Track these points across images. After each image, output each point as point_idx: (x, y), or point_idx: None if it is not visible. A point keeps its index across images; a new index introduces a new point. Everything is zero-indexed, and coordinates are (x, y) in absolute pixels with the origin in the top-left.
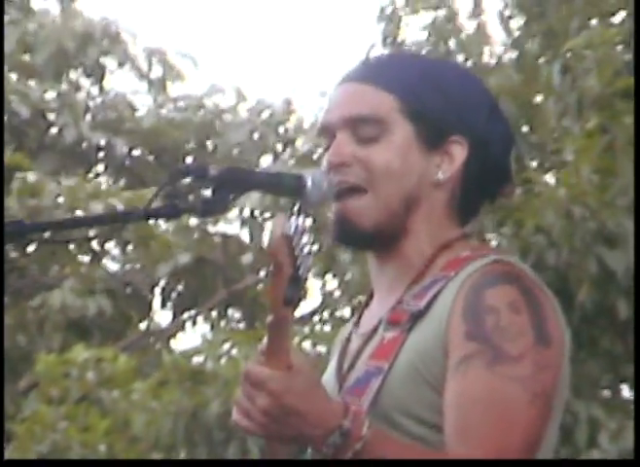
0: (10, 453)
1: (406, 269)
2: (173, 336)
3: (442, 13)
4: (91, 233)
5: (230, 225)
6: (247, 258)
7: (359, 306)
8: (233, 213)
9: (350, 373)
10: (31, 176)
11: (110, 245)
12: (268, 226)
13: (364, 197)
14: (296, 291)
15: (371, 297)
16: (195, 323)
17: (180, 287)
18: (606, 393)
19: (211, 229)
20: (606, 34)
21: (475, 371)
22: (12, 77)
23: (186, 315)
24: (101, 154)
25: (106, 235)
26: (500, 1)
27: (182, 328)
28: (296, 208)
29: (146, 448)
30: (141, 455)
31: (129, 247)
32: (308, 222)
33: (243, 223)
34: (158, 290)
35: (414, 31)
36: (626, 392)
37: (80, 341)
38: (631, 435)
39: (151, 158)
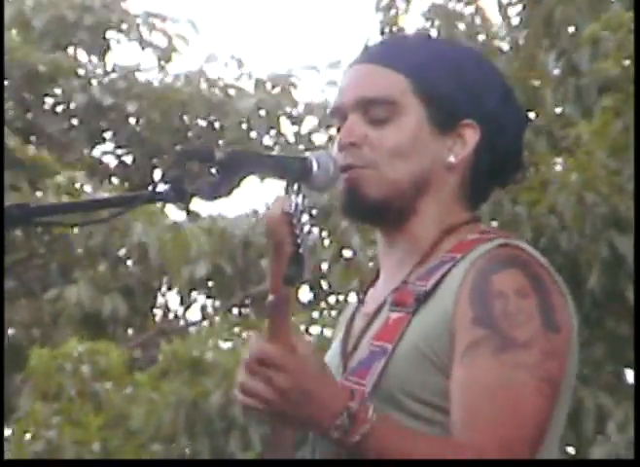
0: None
1: (413, 249)
2: (186, 333)
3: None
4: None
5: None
6: (267, 262)
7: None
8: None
9: (354, 353)
10: (60, 178)
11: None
12: None
13: (373, 171)
14: (297, 270)
15: (376, 276)
16: (211, 323)
17: (198, 290)
18: (612, 379)
19: (231, 232)
20: (624, 17)
21: (482, 357)
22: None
23: (203, 314)
24: (109, 127)
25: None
26: None
27: (195, 325)
28: (295, 187)
29: (145, 440)
30: (140, 448)
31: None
32: (307, 201)
33: None
34: (175, 290)
35: (413, 20)
36: (630, 377)
37: (95, 335)
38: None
39: (160, 120)
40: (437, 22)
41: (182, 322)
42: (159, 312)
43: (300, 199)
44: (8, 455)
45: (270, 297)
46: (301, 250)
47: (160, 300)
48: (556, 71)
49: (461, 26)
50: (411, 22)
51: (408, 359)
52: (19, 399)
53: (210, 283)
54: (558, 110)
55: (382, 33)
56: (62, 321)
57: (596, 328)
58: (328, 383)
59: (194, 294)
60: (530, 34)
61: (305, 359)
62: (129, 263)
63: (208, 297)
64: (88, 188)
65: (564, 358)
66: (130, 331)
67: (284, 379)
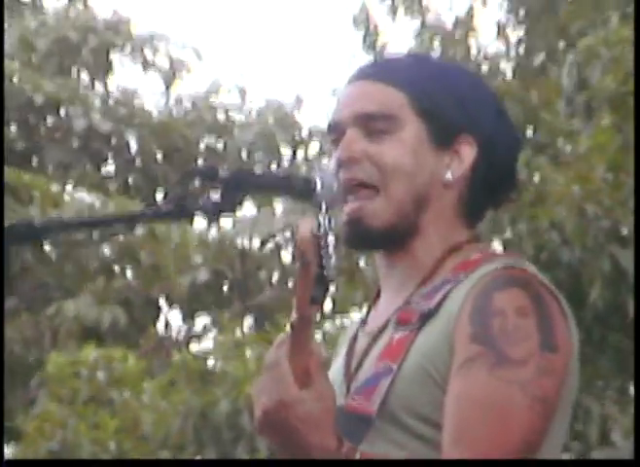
0: (20, 451)
1: (415, 269)
2: (187, 345)
3: (428, 18)
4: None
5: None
6: (265, 272)
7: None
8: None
9: (358, 372)
10: (53, 187)
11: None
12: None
13: (376, 198)
14: (322, 291)
15: (377, 296)
16: (208, 333)
17: (195, 301)
18: (616, 391)
19: (229, 243)
20: (621, 32)
21: (476, 373)
22: (17, 65)
23: (202, 325)
24: (110, 152)
25: (121, 254)
26: (498, 10)
27: (198, 339)
28: (323, 208)
29: (155, 447)
30: (150, 454)
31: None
32: (333, 222)
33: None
34: (173, 303)
35: (396, 36)
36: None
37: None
38: None
39: (160, 155)
40: (431, 43)
41: (182, 334)
42: (160, 324)
43: (327, 221)
44: (20, 454)
45: (295, 315)
46: (325, 272)
47: (161, 311)
48: (567, 85)
49: (455, 47)
50: (395, 39)
51: (413, 378)
52: (35, 402)
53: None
54: (562, 124)
55: (366, 49)
56: (62, 336)
57: (599, 343)
58: (316, 433)
59: (193, 306)
60: (539, 46)
61: (305, 399)
62: (129, 274)
63: (206, 308)
64: (91, 202)
65: (561, 377)
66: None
67: (267, 401)
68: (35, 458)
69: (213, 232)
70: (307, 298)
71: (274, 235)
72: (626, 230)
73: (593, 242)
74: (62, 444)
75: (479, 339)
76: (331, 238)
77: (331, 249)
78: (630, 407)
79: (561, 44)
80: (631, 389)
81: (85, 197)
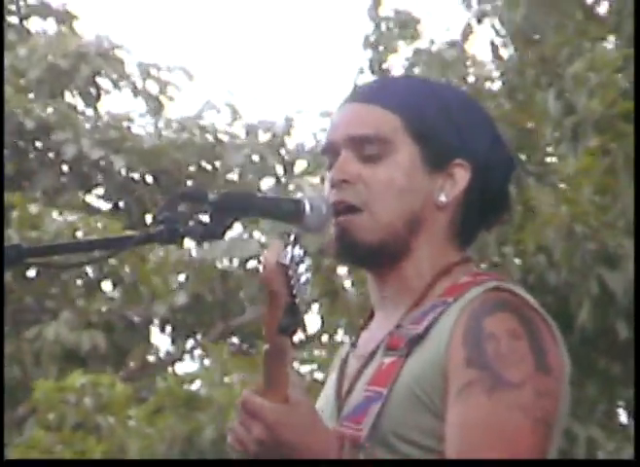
0: None
1: (405, 291)
2: (172, 366)
3: (422, 44)
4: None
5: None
6: (247, 292)
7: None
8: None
9: (349, 396)
10: (33, 208)
11: (106, 285)
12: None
13: (362, 214)
14: (291, 320)
15: (370, 317)
16: (192, 355)
17: (177, 322)
18: (603, 416)
19: (210, 264)
20: (607, 57)
21: (475, 398)
22: (11, 91)
23: (184, 347)
24: (100, 176)
25: (102, 274)
26: (491, 30)
27: (180, 359)
28: (292, 237)
29: None
30: None
31: (125, 285)
32: (303, 252)
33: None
34: (155, 323)
35: (401, 59)
36: (624, 417)
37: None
38: (629, 455)
39: (150, 179)
40: (423, 68)
41: (164, 356)
42: (142, 348)
43: (296, 250)
44: None
45: (266, 346)
46: (296, 300)
47: (142, 335)
48: (554, 110)
49: (449, 71)
50: (399, 61)
51: (402, 402)
52: (22, 429)
53: (189, 316)
54: (551, 149)
55: (372, 71)
56: (44, 359)
57: (587, 367)
58: (313, 435)
59: (174, 326)
60: (527, 74)
61: (289, 411)
62: (110, 294)
63: (188, 329)
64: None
65: (557, 399)
66: (109, 368)
67: (261, 431)
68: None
69: (193, 252)
70: (275, 327)
71: (255, 256)
72: (614, 251)
73: (581, 264)
74: None
75: (474, 363)
76: (302, 267)
77: (303, 279)
78: (617, 431)
79: (545, 77)
80: (618, 415)
81: (64, 219)
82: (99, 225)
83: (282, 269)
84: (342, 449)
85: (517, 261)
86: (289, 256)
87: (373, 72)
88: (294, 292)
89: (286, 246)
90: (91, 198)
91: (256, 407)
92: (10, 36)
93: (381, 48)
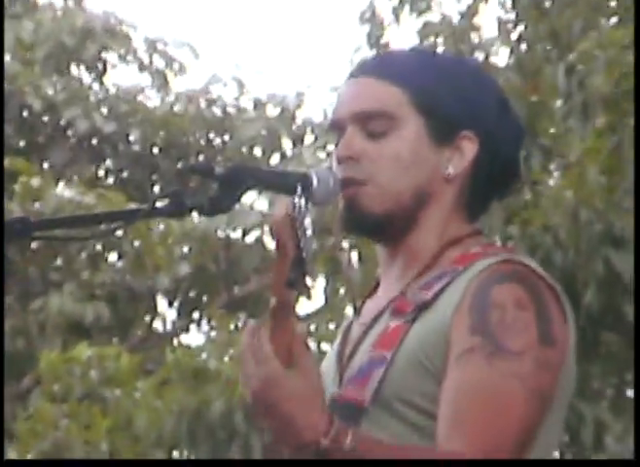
0: (11, 452)
1: (413, 260)
2: (177, 337)
3: (432, 16)
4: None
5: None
6: (250, 262)
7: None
8: None
9: (351, 361)
10: (34, 181)
11: (111, 256)
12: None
13: (366, 187)
14: (299, 273)
15: (375, 288)
16: (199, 325)
17: (182, 293)
18: (611, 395)
19: (213, 234)
20: (615, 35)
21: (474, 364)
22: (16, 68)
23: (190, 318)
24: (109, 150)
25: (106, 246)
26: (499, 7)
27: (186, 330)
28: (299, 190)
29: (148, 446)
30: (143, 454)
31: (129, 256)
32: (310, 204)
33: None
34: (160, 295)
35: (400, 33)
36: (631, 394)
37: (81, 342)
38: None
39: (158, 151)
40: (435, 39)
41: (169, 327)
42: (146, 319)
43: (302, 203)
44: (12, 454)
45: (273, 300)
46: (303, 254)
47: (147, 306)
48: (563, 85)
49: (458, 44)
50: (400, 36)
51: (407, 367)
52: (27, 401)
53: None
54: (560, 128)
55: (370, 46)
56: (49, 330)
57: (593, 346)
58: (309, 408)
59: (178, 297)
60: (536, 48)
61: (293, 377)
62: (114, 265)
63: (192, 300)
64: (71, 192)
65: (557, 371)
66: (115, 339)
67: (257, 382)
68: (26, 459)
69: (195, 221)
70: (284, 281)
71: (259, 225)
72: (620, 232)
73: (587, 245)
74: (54, 444)
75: (477, 330)
76: (308, 220)
77: (309, 231)
78: (624, 411)
79: (555, 51)
80: (627, 393)
81: (67, 192)
82: (103, 199)
83: (290, 221)
84: (327, 435)
85: (523, 241)
86: (296, 209)
87: (371, 47)
88: (301, 245)
89: (293, 198)
90: (101, 172)
91: (262, 357)
92: (16, 8)
93: (379, 22)
